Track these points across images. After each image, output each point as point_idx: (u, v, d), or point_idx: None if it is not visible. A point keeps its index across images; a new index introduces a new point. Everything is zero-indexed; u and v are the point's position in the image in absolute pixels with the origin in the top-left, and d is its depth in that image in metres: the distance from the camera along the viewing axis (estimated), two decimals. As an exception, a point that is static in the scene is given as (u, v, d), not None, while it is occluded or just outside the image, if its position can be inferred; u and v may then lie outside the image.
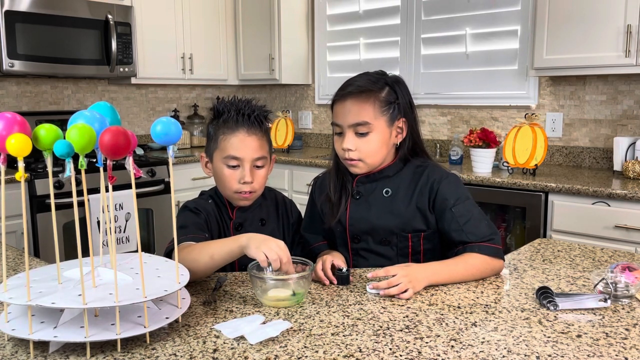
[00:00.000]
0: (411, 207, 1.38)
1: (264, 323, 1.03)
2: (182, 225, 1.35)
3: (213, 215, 1.43)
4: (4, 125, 0.91)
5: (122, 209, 3.25)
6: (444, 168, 1.43)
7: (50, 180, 0.94)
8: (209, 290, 1.22)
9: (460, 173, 2.84)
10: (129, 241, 3.30)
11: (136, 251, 1.01)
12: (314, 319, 1.05)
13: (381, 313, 1.08)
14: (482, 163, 2.83)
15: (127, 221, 3.32)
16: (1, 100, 3.41)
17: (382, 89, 1.37)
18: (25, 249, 0.96)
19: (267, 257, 1.11)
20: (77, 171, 0.94)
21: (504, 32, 3.26)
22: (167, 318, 1.00)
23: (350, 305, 1.12)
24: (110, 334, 0.93)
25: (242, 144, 1.37)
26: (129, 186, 3.20)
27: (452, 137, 3.41)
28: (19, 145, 0.89)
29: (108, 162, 0.89)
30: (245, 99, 1.43)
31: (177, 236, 1.34)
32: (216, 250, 1.20)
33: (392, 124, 1.38)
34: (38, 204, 2.97)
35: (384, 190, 1.41)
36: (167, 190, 3.45)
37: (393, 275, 1.19)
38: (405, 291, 1.16)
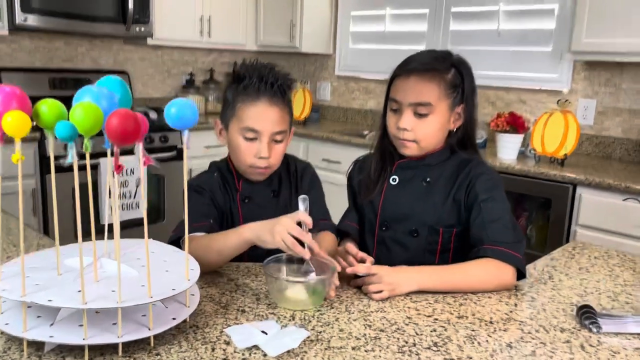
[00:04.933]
0: (448, 200, 1.30)
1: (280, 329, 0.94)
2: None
3: (218, 188, 1.35)
4: (1, 100, 0.81)
5: (132, 174, 3.18)
6: (490, 167, 1.34)
7: (52, 165, 0.85)
8: (220, 284, 1.13)
9: (483, 158, 2.72)
10: (138, 207, 3.24)
11: (142, 236, 0.92)
12: (332, 327, 0.96)
13: (406, 324, 0.99)
14: (508, 149, 2.71)
15: (137, 187, 3.25)
16: (14, 54, 3.31)
17: (449, 69, 1.27)
18: (21, 240, 0.87)
19: (285, 244, 1.04)
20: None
21: (540, 11, 3.08)
22: (173, 319, 0.92)
23: (372, 312, 1.03)
24: (111, 336, 0.85)
25: (262, 115, 1.26)
26: (140, 151, 3.12)
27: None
28: (16, 123, 0.79)
29: (115, 148, 0.79)
30: (269, 64, 1.30)
31: (178, 226, 1.26)
32: (222, 247, 1.13)
33: (452, 109, 1.29)
34: (48, 165, 2.89)
35: (423, 179, 1.33)
36: (179, 156, 3.36)
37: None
38: (381, 291, 1.09)
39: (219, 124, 1.36)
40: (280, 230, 1.03)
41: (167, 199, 3.40)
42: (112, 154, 0.84)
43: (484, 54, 3.30)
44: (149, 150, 3.17)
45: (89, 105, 0.82)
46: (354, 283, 1.15)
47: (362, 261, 1.17)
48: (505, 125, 2.67)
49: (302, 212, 1.06)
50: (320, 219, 1.36)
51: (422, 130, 1.27)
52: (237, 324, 0.96)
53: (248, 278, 1.17)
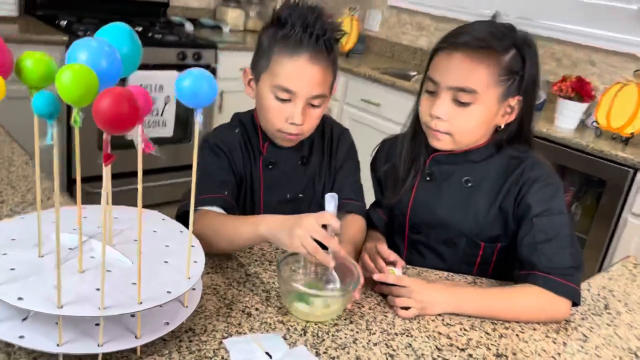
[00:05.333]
0: (493, 208, 1.09)
1: (286, 343, 0.81)
2: (199, 177, 1.10)
3: (238, 148, 1.16)
4: (-27, 52, 0.65)
5: (162, 90, 3.02)
6: (548, 166, 1.09)
7: (36, 146, 0.69)
8: (228, 271, 1.00)
9: (536, 122, 2.47)
10: (165, 126, 3.10)
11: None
12: (349, 353, 0.82)
13: (434, 358, 0.85)
14: (568, 117, 2.45)
15: (166, 104, 3.10)
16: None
17: (507, 50, 1.02)
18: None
19: (307, 250, 0.87)
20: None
21: (632, -40, 2.69)
22: (167, 324, 0.79)
23: (396, 335, 0.89)
24: (90, 343, 0.73)
25: (299, 73, 1.05)
26: (171, 67, 2.94)
27: (537, 75, 2.96)
28: (-14, 87, 0.63)
29: (105, 135, 0.63)
30: (317, 9, 1.06)
31: (189, 195, 1.09)
32: (234, 236, 0.98)
33: (503, 100, 1.04)
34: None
35: (464, 179, 1.11)
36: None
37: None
38: (408, 308, 0.94)
39: (248, 73, 1.15)
40: (301, 234, 0.87)
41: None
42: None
43: (557, 2, 2.94)
44: (182, 67, 2.99)
45: (80, 69, 0.65)
46: (379, 289, 1.00)
47: (393, 264, 1.02)
48: (570, 91, 2.40)
49: (330, 214, 0.89)
50: (350, 199, 1.20)
51: (460, 122, 1.04)
52: (240, 332, 0.83)
53: (261, 266, 1.03)
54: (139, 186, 0.67)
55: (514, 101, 1.06)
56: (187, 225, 0.95)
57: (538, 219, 1.02)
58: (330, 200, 0.93)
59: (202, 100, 0.71)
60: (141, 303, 0.73)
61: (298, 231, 0.87)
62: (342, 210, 1.18)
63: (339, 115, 3.19)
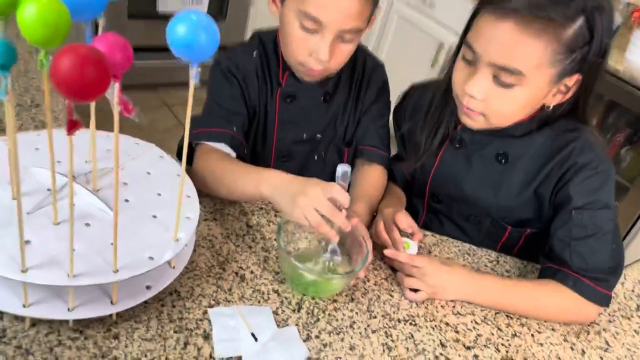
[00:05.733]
0: (528, 191, 0.94)
1: (277, 319, 0.74)
2: (206, 105, 0.99)
3: (254, 75, 1.01)
4: None
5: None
6: (601, 148, 0.91)
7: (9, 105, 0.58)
8: (228, 219, 0.91)
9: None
10: (200, 2, 2.89)
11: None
12: (343, 339, 0.75)
13: (436, 357, 0.77)
14: (641, 51, 2.17)
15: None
16: None
17: (573, 20, 0.78)
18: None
19: (308, 222, 0.77)
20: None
21: None
22: (148, 288, 0.72)
23: (398, 322, 0.81)
24: (60, 306, 0.67)
25: (332, 2, 0.86)
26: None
27: (618, -7, 2.60)
28: None
29: (67, 101, 0.50)
30: None
31: (195, 124, 0.94)
32: (234, 188, 0.88)
33: (557, 81, 0.84)
34: None
35: (499, 154, 0.95)
36: (254, -49, 2.90)
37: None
38: (417, 290, 0.85)
39: None
40: (304, 205, 0.76)
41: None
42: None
43: None
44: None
45: (48, 3, 0.52)
46: (389, 262, 0.91)
47: (409, 235, 0.92)
48: (651, 21, 2.10)
49: (339, 187, 0.77)
50: (373, 146, 1.07)
51: (498, 104, 0.85)
52: (229, 300, 0.77)
53: (265, 216, 0.94)
54: (115, 165, 0.56)
55: (572, 81, 0.85)
56: (188, 160, 0.85)
57: (578, 212, 0.88)
58: (341, 172, 0.81)
59: (197, 54, 0.58)
60: (117, 271, 0.66)
61: (301, 201, 0.76)
62: (363, 157, 1.07)
63: (387, 11, 2.91)
